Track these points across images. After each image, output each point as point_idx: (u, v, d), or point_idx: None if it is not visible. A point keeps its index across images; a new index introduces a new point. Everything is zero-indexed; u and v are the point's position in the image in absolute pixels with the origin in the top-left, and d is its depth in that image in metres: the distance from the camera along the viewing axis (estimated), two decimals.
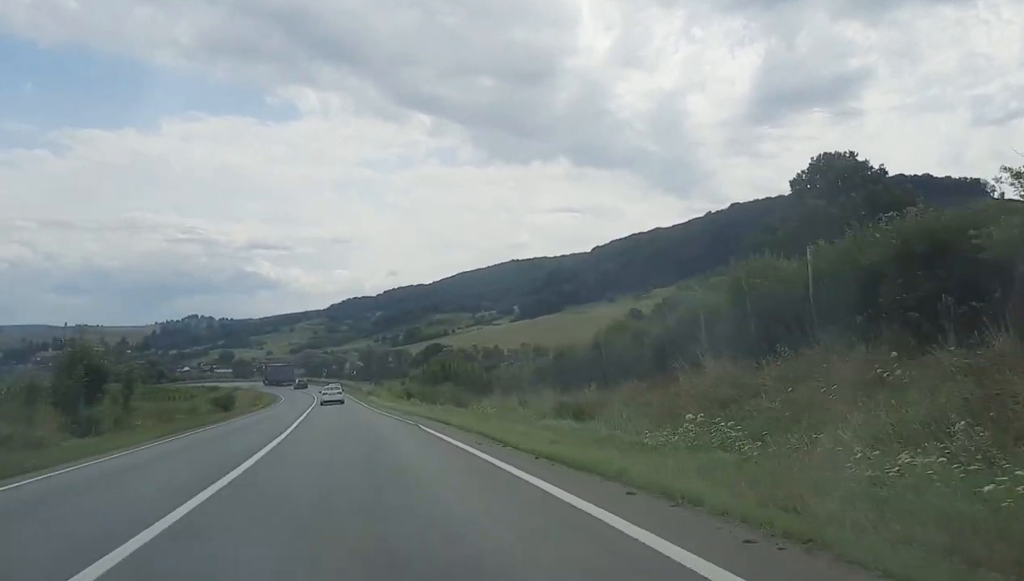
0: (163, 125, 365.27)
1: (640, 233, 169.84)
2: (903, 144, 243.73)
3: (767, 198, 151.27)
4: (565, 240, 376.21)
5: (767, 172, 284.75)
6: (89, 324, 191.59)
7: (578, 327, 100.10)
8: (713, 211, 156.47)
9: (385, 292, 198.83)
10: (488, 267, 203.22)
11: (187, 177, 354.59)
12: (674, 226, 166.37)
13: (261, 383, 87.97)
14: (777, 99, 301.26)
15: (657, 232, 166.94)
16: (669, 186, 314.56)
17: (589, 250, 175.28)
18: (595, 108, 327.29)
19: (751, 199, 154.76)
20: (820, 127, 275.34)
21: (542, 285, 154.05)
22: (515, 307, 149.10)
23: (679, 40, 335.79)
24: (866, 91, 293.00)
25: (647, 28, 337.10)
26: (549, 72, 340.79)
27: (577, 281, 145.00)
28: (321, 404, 43.10)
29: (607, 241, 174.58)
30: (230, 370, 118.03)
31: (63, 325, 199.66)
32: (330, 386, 55.92)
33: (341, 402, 44.96)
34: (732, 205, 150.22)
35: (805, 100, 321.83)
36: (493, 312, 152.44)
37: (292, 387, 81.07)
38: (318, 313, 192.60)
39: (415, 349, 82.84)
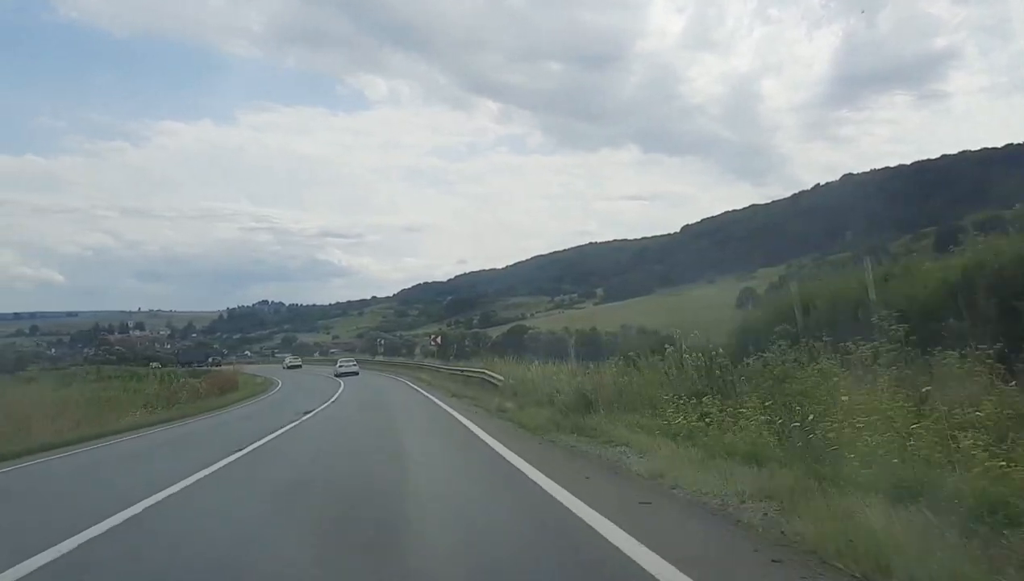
0: (237, 116, 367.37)
1: (735, 210, 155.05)
2: (992, 129, 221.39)
3: (886, 168, 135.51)
4: (636, 227, 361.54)
5: (846, 157, 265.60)
6: (163, 309, 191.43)
7: (681, 309, 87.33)
8: (822, 184, 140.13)
9: (456, 277, 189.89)
10: (565, 250, 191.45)
11: (261, 167, 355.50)
12: (774, 202, 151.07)
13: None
14: (857, 81, 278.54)
15: (755, 209, 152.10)
16: (743, 173, 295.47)
17: (678, 230, 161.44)
18: (666, 93, 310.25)
19: (868, 169, 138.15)
20: (902, 110, 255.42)
21: (627, 267, 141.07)
22: (598, 290, 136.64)
23: (754, 21, 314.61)
24: (953, 72, 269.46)
25: (721, 9, 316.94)
26: (618, 56, 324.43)
27: (668, 262, 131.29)
28: (336, 376, 45.82)
29: (698, 219, 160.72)
30: (289, 354, 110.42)
31: (137, 310, 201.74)
32: (347, 359, 57.95)
33: (356, 374, 47.77)
34: (844, 176, 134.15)
35: (887, 82, 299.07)
36: (574, 295, 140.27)
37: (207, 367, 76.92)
38: (388, 299, 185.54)
39: (494, 332, 72.25)
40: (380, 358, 58.12)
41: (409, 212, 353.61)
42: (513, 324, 75.64)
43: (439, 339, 34.15)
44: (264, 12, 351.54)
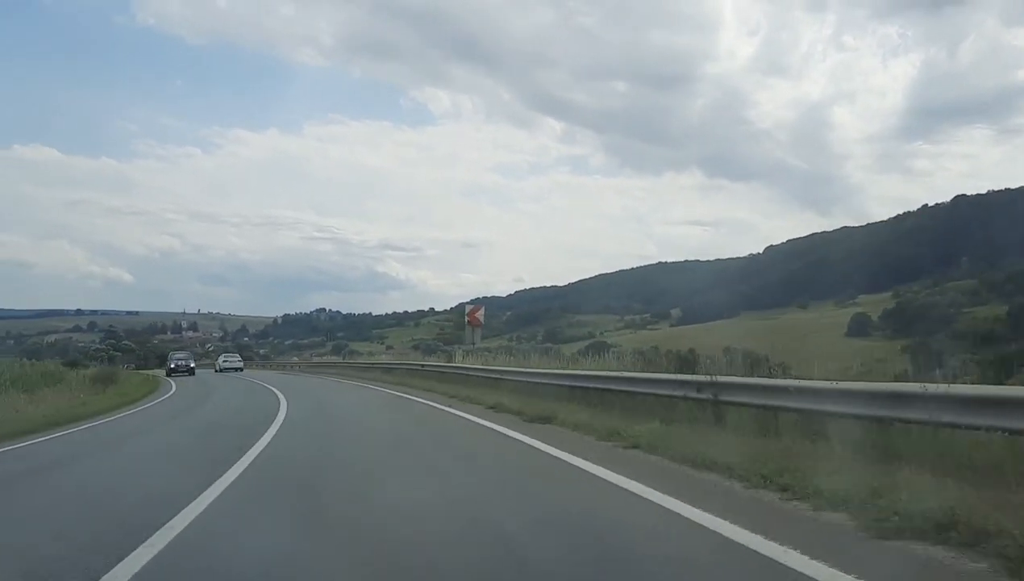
0: (304, 126, 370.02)
1: (824, 232, 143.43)
2: None
3: (1006, 190, 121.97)
4: (696, 251, 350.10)
5: (919, 190, 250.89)
6: (221, 312, 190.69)
7: (778, 333, 76.99)
8: (930, 205, 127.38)
9: (517, 292, 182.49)
10: (632, 269, 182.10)
11: (325, 177, 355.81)
12: (869, 224, 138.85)
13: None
14: (933, 113, 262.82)
15: (847, 231, 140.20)
16: (808, 201, 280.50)
17: (761, 250, 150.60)
18: (733, 117, 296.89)
19: (984, 190, 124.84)
20: (981, 145, 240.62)
21: (703, 287, 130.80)
22: (673, 310, 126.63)
23: (828, 47, 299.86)
24: None
25: (794, 33, 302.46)
26: (686, 78, 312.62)
27: (752, 283, 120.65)
28: (218, 371, 45.01)
29: (783, 241, 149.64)
30: (339, 359, 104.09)
31: (196, 311, 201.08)
32: (230, 354, 55.52)
33: (240, 370, 45.84)
34: (956, 197, 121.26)
35: (965, 115, 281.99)
36: (646, 315, 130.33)
37: None
38: (446, 311, 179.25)
39: (567, 349, 63.43)
40: (444, 365, 25.84)
41: (468, 228, 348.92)
42: (592, 340, 66.85)
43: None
44: (333, 22, 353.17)
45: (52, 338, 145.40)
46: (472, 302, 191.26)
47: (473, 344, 26.14)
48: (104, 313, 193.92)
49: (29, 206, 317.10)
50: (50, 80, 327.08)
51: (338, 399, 20.43)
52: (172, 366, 42.05)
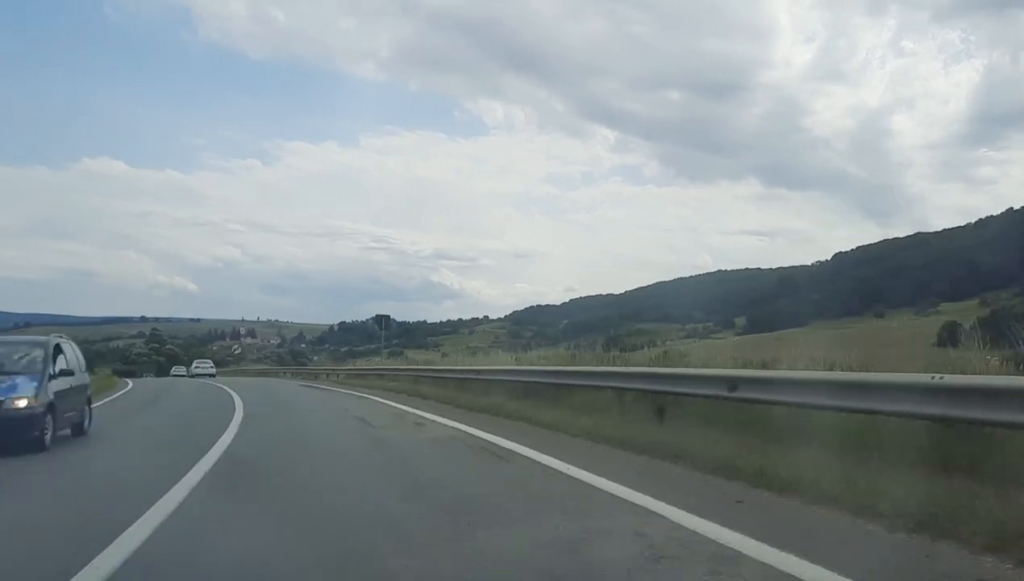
0: (361, 138, 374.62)
1: (896, 239, 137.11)
2: None
3: None
4: (752, 261, 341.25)
5: (984, 199, 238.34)
6: (280, 319, 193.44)
7: (857, 343, 73.10)
8: (1016, 208, 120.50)
9: (572, 300, 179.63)
10: (690, 277, 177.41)
11: (381, 189, 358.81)
12: (945, 230, 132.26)
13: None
14: (998, 119, 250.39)
15: (920, 237, 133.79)
16: (869, 211, 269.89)
17: (829, 257, 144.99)
18: (789, 125, 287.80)
19: None
20: None
21: (769, 296, 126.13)
22: (736, 319, 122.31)
23: (887, 53, 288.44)
24: None
25: (852, 39, 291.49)
26: (741, 86, 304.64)
27: (822, 291, 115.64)
28: (190, 376, 43.83)
29: (853, 247, 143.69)
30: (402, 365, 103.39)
31: (255, 319, 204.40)
32: (203, 360, 55.73)
33: (213, 375, 44.95)
34: None
35: None
36: (709, 324, 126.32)
37: None
38: (500, 319, 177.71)
39: (634, 358, 60.72)
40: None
41: (521, 238, 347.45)
42: (663, 349, 63.46)
43: None
44: (393, 37, 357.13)
45: (116, 344, 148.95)
46: (525, 310, 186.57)
47: None
48: (167, 320, 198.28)
49: (98, 217, 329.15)
50: (118, 94, 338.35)
51: None
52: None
